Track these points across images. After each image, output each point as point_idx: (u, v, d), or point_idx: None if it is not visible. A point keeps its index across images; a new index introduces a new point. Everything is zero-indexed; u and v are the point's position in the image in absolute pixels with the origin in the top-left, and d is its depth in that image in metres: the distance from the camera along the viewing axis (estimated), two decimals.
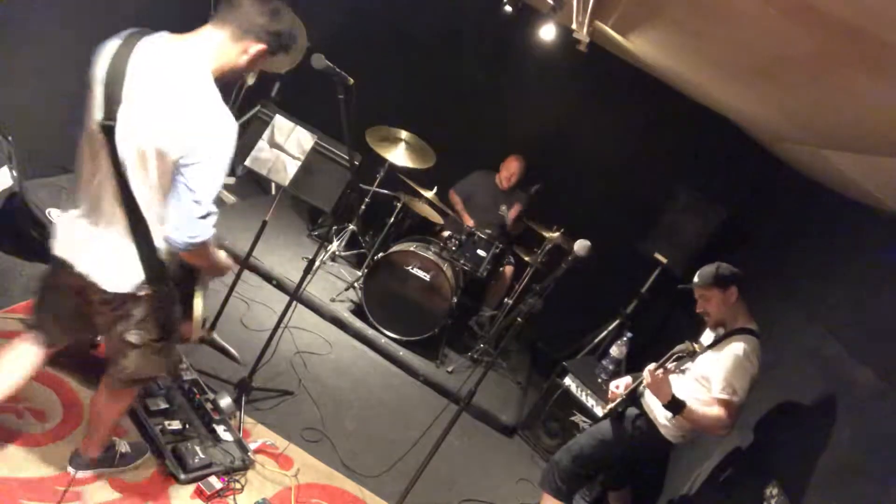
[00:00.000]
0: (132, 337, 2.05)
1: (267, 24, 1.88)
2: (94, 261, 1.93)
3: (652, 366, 2.88)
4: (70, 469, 2.32)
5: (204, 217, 1.85)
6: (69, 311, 2.10)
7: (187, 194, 1.82)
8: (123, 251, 1.91)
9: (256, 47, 1.90)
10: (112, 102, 1.80)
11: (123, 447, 2.45)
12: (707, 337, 3.03)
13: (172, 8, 4.10)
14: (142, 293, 1.97)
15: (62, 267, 1.96)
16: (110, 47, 1.84)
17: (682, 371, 2.96)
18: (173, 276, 2.01)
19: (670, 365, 2.96)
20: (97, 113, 1.82)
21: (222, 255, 2.15)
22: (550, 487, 3.15)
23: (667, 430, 2.93)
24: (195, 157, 1.80)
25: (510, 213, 5.18)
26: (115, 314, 2.01)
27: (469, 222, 5.20)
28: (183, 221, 1.84)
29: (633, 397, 3.05)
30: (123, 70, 1.80)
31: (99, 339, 2.35)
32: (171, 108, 1.80)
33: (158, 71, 1.82)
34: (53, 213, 3.43)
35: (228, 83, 1.94)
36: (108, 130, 1.81)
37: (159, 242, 1.93)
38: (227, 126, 1.85)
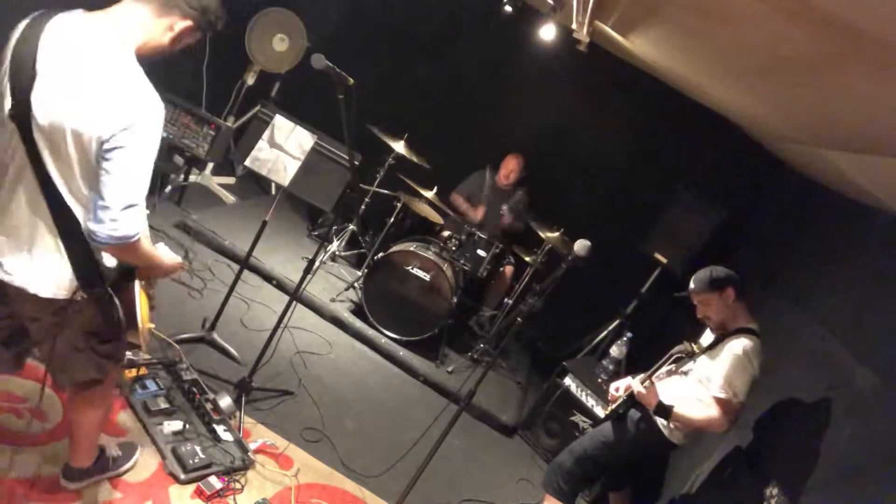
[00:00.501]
0: (77, 342, 1.91)
1: (192, 4, 1.76)
2: (21, 266, 1.75)
3: (640, 377, 2.92)
4: (63, 482, 2.27)
5: (126, 208, 1.67)
6: None
7: (110, 182, 1.65)
8: (52, 254, 1.75)
9: (182, 24, 1.77)
10: (22, 89, 1.63)
11: (114, 451, 2.41)
12: (708, 337, 3.04)
13: None
14: (79, 297, 1.81)
15: None
16: (17, 30, 1.67)
17: (685, 373, 2.97)
18: (108, 277, 1.84)
19: (667, 368, 2.98)
20: (6, 102, 1.65)
21: (164, 252, 1.99)
22: (553, 489, 3.16)
23: (669, 430, 2.93)
24: (118, 141, 1.64)
25: (503, 220, 5.20)
26: (53, 319, 1.85)
27: (479, 214, 5.22)
28: (104, 213, 1.66)
29: (634, 399, 3.06)
30: (33, 52, 1.63)
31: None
32: (91, 89, 1.64)
33: (73, 48, 1.65)
34: None
35: (154, 62, 1.82)
36: (21, 120, 1.64)
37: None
38: (152, 106, 1.70)
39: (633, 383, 2.95)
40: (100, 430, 2.31)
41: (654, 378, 2.97)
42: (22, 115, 1.64)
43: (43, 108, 1.65)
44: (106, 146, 1.64)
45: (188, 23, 1.78)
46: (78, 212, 1.72)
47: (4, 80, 1.66)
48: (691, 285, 2.95)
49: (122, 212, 1.67)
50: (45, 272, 1.76)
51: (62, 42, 1.66)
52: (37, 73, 1.63)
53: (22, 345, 1.99)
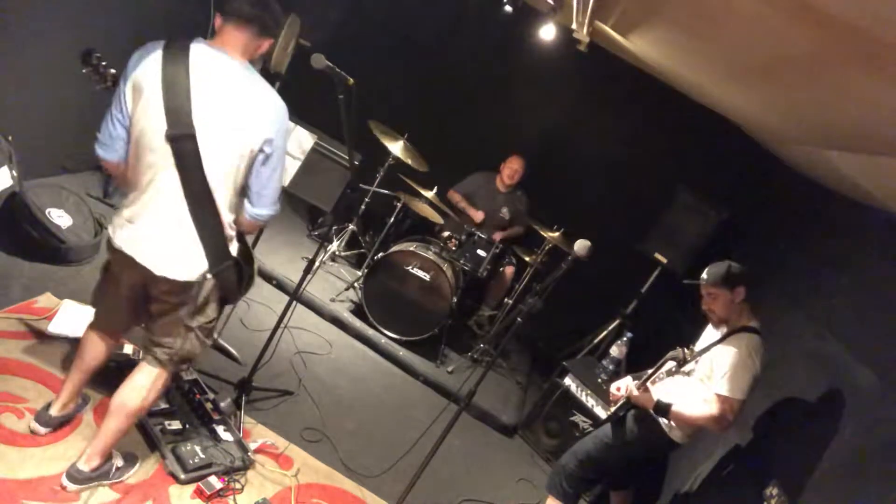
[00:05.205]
0: (191, 321, 2.24)
1: (275, 24, 2.13)
2: (159, 254, 2.08)
3: (635, 384, 2.95)
4: (65, 482, 2.26)
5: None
6: (123, 300, 2.28)
7: (275, 174, 2.15)
8: (188, 243, 2.09)
9: (268, 42, 2.15)
10: (181, 115, 1.95)
11: (119, 460, 2.42)
12: (709, 334, 3.03)
13: (172, 8, 4.11)
14: (205, 279, 2.17)
15: (124, 259, 2.11)
16: (153, 58, 1.96)
17: (687, 373, 2.96)
18: (238, 252, 2.24)
19: (667, 368, 2.98)
20: (157, 123, 1.96)
21: None
22: (557, 491, 3.16)
23: (671, 430, 2.93)
24: (276, 141, 2.09)
25: (494, 235, 5.19)
26: (177, 300, 2.19)
27: (477, 216, 5.21)
28: (272, 198, 2.19)
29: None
30: (185, 83, 1.95)
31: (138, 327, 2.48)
32: (247, 104, 2.03)
33: (218, 75, 2.01)
34: (53, 213, 3.43)
35: None
36: (180, 140, 1.96)
37: (228, 229, 2.15)
38: (283, 105, 2.14)
39: (630, 386, 2.96)
40: (129, 426, 2.34)
41: (650, 382, 2.97)
42: (182, 134, 1.96)
43: (209, 128, 1.99)
44: (267, 148, 2.08)
45: (271, 40, 2.16)
46: (225, 205, 2.10)
47: (156, 105, 1.95)
48: (704, 276, 2.91)
49: (278, 193, 2.20)
50: (181, 259, 2.10)
51: (207, 72, 2.00)
52: (193, 100, 1.96)
53: (136, 316, 2.35)
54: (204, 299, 2.23)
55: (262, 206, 2.19)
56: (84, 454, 2.30)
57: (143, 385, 2.29)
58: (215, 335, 3.15)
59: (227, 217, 2.14)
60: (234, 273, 2.25)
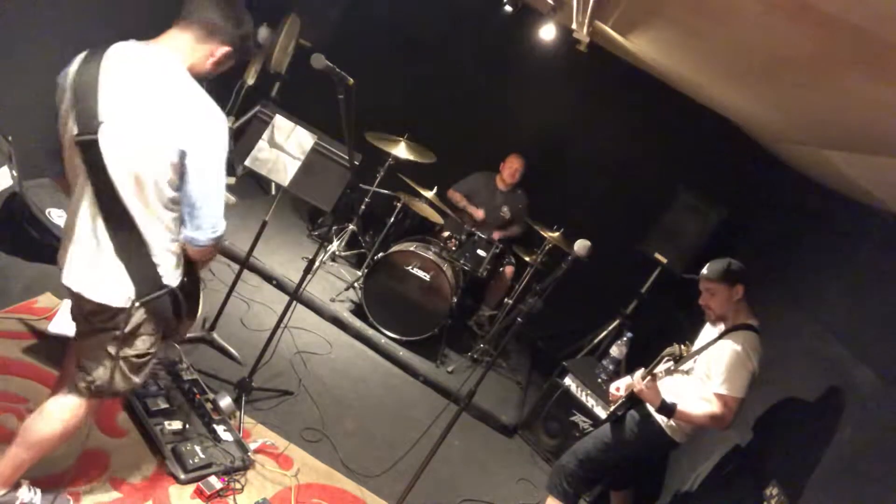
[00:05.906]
0: (115, 350, 1.96)
1: (232, 28, 1.87)
2: (76, 271, 1.88)
3: (640, 373, 2.92)
4: None
5: (219, 210, 1.90)
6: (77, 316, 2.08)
7: (207, 193, 1.85)
8: (107, 262, 1.85)
9: (222, 50, 1.89)
10: (87, 116, 1.74)
11: (32, 495, 2.08)
12: (707, 332, 3.04)
13: (170, 8, 4.11)
14: (133, 308, 1.90)
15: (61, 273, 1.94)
16: (75, 61, 1.79)
17: (686, 371, 2.96)
18: (168, 282, 1.95)
19: (661, 369, 2.98)
20: (71, 128, 1.77)
21: None
22: (557, 491, 3.15)
23: (671, 429, 2.93)
24: (195, 156, 1.78)
25: (503, 217, 5.20)
26: (102, 324, 1.94)
27: (478, 214, 5.22)
28: (207, 220, 1.88)
29: (635, 399, 3.05)
30: (94, 82, 1.74)
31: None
32: (165, 113, 1.76)
33: (134, 74, 1.77)
34: (53, 213, 3.43)
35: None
36: (86, 145, 1.75)
37: (159, 252, 1.88)
38: (220, 116, 1.85)
39: (635, 380, 2.94)
40: (36, 458, 2.04)
41: (653, 376, 2.96)
42: (88, 140, 1.74)
43: (114, 133, 1.75)
44: (193, 163, 1.79)
45: (227, 49, 1.90)
46: (147, 223, 1.84)
47: (68, 108, 1.77)
48: (704, 271, 2.92)
49: (218, 214, 1.90)
50: (103, 280, 1.87)
51: (121, 69, 1.77)
52: (100, 100, 1.74)
53: None
54: (133, 330, 1.95)
55: (194, 229, 1.89)
56: None
57: (53, 413, 2.01)
58: (184, 365, 3.00)
59: (152, 237, 1.86)
60: (168, 304, 1.96)
